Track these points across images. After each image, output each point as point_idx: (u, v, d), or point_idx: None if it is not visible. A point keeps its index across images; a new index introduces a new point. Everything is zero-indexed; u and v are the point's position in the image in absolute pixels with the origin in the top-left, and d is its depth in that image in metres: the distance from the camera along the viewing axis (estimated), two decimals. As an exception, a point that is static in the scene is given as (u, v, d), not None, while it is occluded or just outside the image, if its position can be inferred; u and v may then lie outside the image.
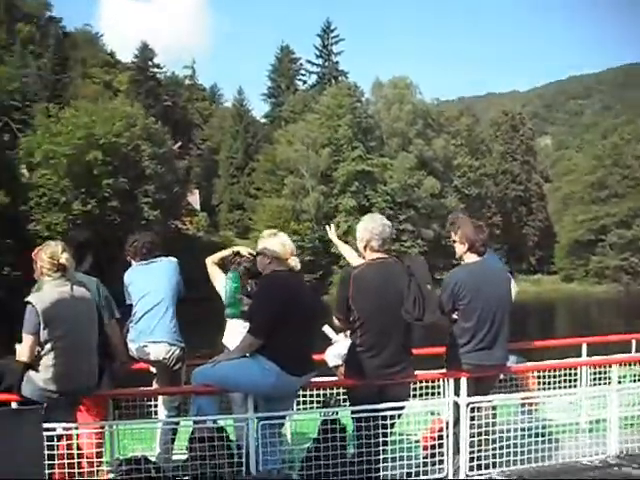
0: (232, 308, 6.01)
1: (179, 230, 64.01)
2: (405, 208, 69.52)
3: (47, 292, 5.04)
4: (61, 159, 53.55)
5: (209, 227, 72.35)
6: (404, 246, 67.75)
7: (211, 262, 6.31)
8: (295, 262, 5.52)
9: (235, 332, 5.86)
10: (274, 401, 5.43)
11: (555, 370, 7.20)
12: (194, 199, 72.37)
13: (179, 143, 69.94)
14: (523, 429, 5.92)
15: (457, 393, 5.81)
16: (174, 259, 6.36)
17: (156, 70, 78.58)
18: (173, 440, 5.95)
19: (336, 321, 5.58)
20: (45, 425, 4.61)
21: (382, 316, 5.32)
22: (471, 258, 6.04)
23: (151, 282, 6.11)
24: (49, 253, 5.11)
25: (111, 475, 5.35)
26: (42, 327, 4.90)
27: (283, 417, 5.64)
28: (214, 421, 5.44)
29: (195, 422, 5.49)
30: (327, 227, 7.23)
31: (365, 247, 5.52)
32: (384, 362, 5.35)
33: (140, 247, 6.30)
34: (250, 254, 6.01)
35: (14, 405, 4.92)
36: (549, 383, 7.21)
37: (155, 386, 6.28)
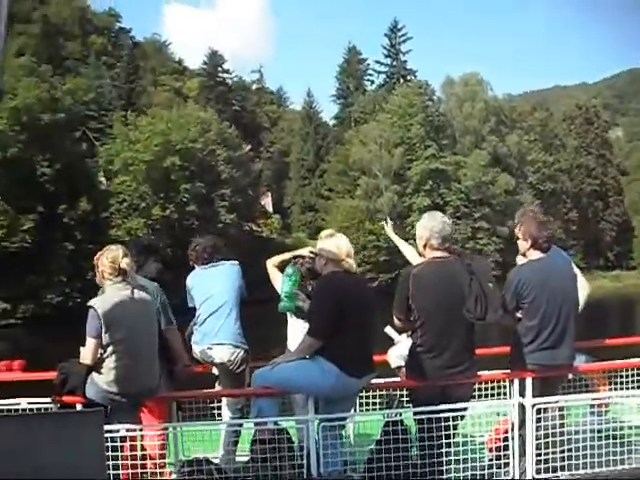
0: (287, 302, 5.96)
1: (254, 232, 64.47)
2: (480, 206, 68.59)
3: (108, 296, 5.12)
4: (140, 166, 54.56)
5: (282, 229, 72.66)
6: (479, 244, 66.88)
7: (271, 264, 6.29)
8: (350, 264, 5.38)
9: (297, 333, 5.83)
10: (334, 402, 5.38)
11: (628, 370, 6.84)
12: (267, 202, 72.85)
13: (249, 146, 70.43)
14: (593, 431, 5.65)
15: (522, 394, 5.63)
16: (236, 262, 6.39)
17: (226, 75, 79.36)
18: (236, 442, 5.96)
19: (396, 321, 5.50)
20: (109, 427, 4.74)
21: (443, 316, 5.24)
22: (534, 255, 5.85)
23: (214, 285, 6.14)
24: (110, 257, 5.16)
25: (174, 476, 5.47)
26: (104, 330, 4.98)
27: (344, 418, 5.58)
28: (275, 423, 5.42)
29: (256, 424, 5.46)
30: (384, 223, 7.08)
31: (425, 246, 5.41)
32: (446, 362, 5.26)
33: (202, 251, 6.32)
34: (311, 255, 5.92)
35: (78, 407, 5.02)
36: (621, 383, 6.87)
37: (218, 388, 6.30)
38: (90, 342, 5.04)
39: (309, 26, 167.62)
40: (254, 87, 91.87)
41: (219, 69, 79.04)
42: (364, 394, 6.14)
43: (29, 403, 5.49)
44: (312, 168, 77.05)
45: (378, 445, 5.48)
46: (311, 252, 5.93)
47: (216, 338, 6.03)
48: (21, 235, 49.83)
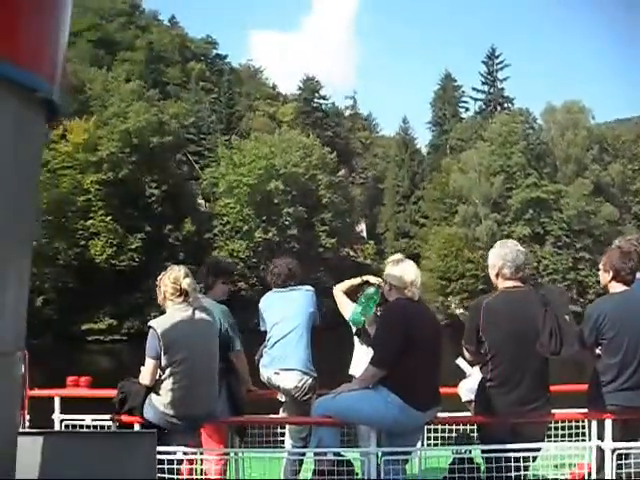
0: (358, 316, 5.77)
1: (350, 258, 64.38)
2: (581, 236, 66.69)
3: (168, 317, 5.03)
4: (244, 189, 55.27)
5: (375, 255, 72.27)
6: (580, 275, 64.91)
7: (339, 290, 6.15)
8: (414, 292, 5.13)
9: (361, 359, 5.71)
10: (398, 435, 5.16)
11: None
12: (361, 227, 72.73)
13: (342, 171, 70.68)
14: None
15: (601, 437, 5.18)
16: (311, 288, 6.22)
17: (322, 101, 80.00)
18: (297, 472, 5.76)
19: (466, 353, 5.31)
20: (166, 449, 4.72)
21: (515, 349, 4.99)
22: (617, 288, 5.42)
23: (286, 309, 6.01)
24: (172, 278, 5.07)
25: None
26: (162, 351, 4.91)
27: (408, 452, 5.31)
28: (335, 453, 5.18)
29: (316, 454, 5.28)
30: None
31: (497, 275, 5.16)
32: (518, 398, 4.98)
33: (278, 274, 6.18)
34: (378, 282, 5.76)
35: (136, 427, 4.97)
36: None
37: (282, 414, 6.12)
38: (149, 363, 4.99)
39: (397, 52, 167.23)
40: (347, 113, 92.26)
41: (316, 95, 79.66)
42: (432, 427, 5.91)
43: (93, 420, 5.50)
44: (407, 195, 76.51)
45: (446, 482, 5.19)
46: (378, 278, 5.81)
47: (284, 363, 5.88)
48: (129, 254, 51.07)
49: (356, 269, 61.98)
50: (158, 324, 5.00)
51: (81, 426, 5.58)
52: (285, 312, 6.02)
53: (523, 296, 5.12)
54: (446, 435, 6.04)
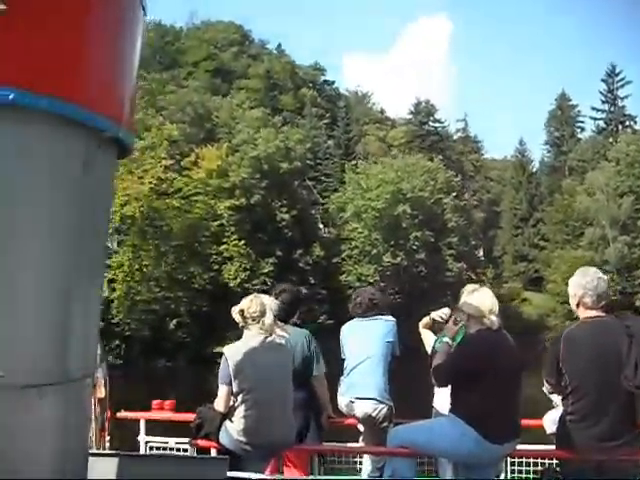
0: (440, 340, 5.51)
1: (472, 282, 63.32)
2: None
3: (242, 344, 5.03)
4: (372, 213, 55.23)
5: (493, 279, 71.02)
6: None
7: (422, 325, 5.96)
8: (492, 321, 4.94)
9: (443, 394, 5.50)
10: (474, 468, 4.99)
11: None
12: (479, 250, 71.67)
13: (466, 195, 69.89)
14: None
15: None
16: (392, 318, 6.20)
17: (437, 125, 79.63)
18: None
19: (546, 386, 5.12)
20: (241, 474, 4.77)
21: (597, 382, 4.75)
22: None
23: (364, 338, 6.01)
24: (250, 305, 5.08)
25: None
26: (233, 378, 4.89)
27: None
28: None
29: None
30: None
31: (578, 304, 4.96)
32: (601, 434, 4.69)
33: (360, 303, 6.19)
34: (442, 316, 5.71)
35: (213, 452, 5.06)
36: None
37: (361, 443, 6.10)
38: (222, 389, 5.00)
39: (496, 73, 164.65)
40: (456, 135, 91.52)
41: (431, 118, 79.39)
42: (517, 460, 5.70)
43: (177, 443, 5.61)
44: (525, 217, 75.11)
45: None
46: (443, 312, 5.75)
47: (360, 392, 5.87)
48: (261, 278, 51.60)
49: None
50: (230, 351, 5.01)
51: (164, 448, 5.71)
52: (363, 341, 6.02)
53: (605, 326, 4.90)
54: (531, 469, 5.77)
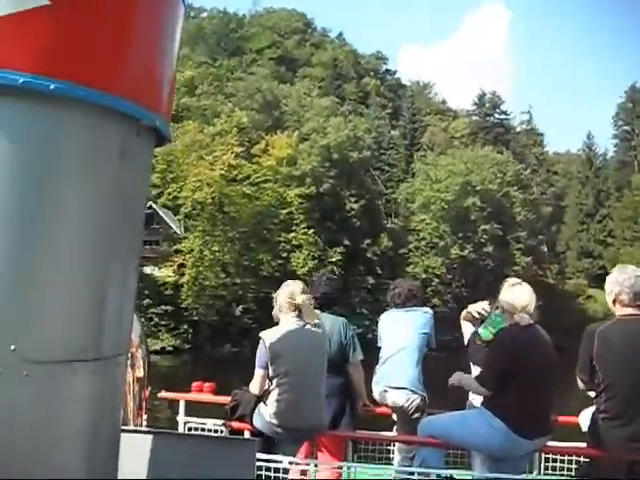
0: (486, 329, 5.53)
1: (538, 277, 62.52)
2: None
3: (278, 329, 5.09)
4: (440, 204, 54.83)
5: (556, 274, 70.06)
6: None
7: (462, 318, 6.00)
8: (523, 317, 4.86)
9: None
10: (501, 461, 4.92)
11: None
12: (543, 246, 70.68)
13: (535, 189, 68.91)
14: None
15: None
16: (429, 310, 6.21)
17: (503, 117, 78.57)
18: None
19: (579, 383, 4.97)
20: (273, 457, 4.79)
21: (631, 380, 4.64)
22: None
23: (400, 329, 5.99)
24: (288, 293, 5.08)
25: None
26: (270, 362, 4.97)
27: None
28: (439, 475, 5.07)
29: (419, 474, 5.09)
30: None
31: (614, 301, 4.82)
32: (633, 434, 4.55)
33: (398, 294, 6.14)
34: (479, 311, 5.75)
35: (246, 434, 5.13)
36: None
37: (394, 432, 6.09)
38: (257, 373, 5.09)
39: (557, 65, 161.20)
40: (519, 128, 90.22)
41: (497, 110, 78.36)
42: (551, 457, 5.56)
43: (214, 425, 5.68)
44: (591, 213, 73.84)
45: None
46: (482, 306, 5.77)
47: (393, 381, 5.85)
48: (329, 267, 51.63)
49: (544, 289, 60.29)
50: (268, 336, 5.05)
51: (202, 429, 5.82)
52: (399, 331, 6.02)
53: None
54: (565, 466, 5.63)
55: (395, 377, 5.88)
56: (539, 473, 5.52)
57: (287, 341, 5.04)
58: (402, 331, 5.99)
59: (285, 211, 52.89)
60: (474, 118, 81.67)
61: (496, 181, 57.06)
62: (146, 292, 51.89)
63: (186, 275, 51.05)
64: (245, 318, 50.38)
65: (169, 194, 54.05)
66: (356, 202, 54.41)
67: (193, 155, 53.09)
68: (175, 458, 3.19)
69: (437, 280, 54.61)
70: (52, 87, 2.17)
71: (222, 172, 51.23)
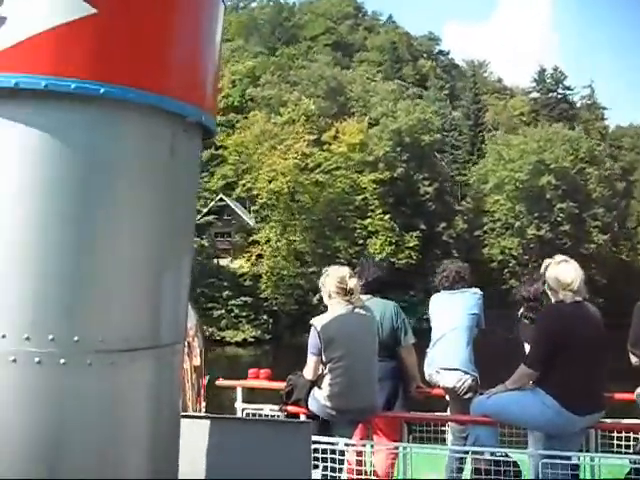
0: None
1: (615, 254, 61.50)
2: None
3: (329, 315, 5.12)
4: (515, 184, 54.20)
5: (629, 250, 68.84)
6: None
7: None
8: (566, 294, 4.85)
9: None
10: (554, 438, 4.89)
11: None
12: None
13: (609, 164, 67.60)
14: None
15: None
16: (479, 291, 6.17)
17: (567, 92, 77.21)
18: (461, 469, 5.74)
19: (632, 358, 5.06)
20: (329, 439, 4.91)
21: None
22: None
23: (450, 310, 6.02)
24: (337, 278, 5.12)
25: None
26: (323, 348, 5.03)
27: (569, 458, 4.93)
28: (492, 453, 5.04)
29: (473, 452, 5.26)
30: None
31: None
32: None
33: (446, 276, 6.13)
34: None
35: (302, 418, 5.19)
36: None
37: (447, 413, 6.14)
38: (311, 358, 5.14)
39: (600, 36, 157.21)
40: (579, 104, 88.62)
41: (560, 85, 76.98)
42: (607, 434, 5.46)
43: (271, 410, 5.78)
44: (661, 188, 72.31)
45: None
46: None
47: (445, 362, 5.87)
48: (407, 252, 51.46)
49: (619, 265, 59.36)
50: (319, 322, 5.09)
51: (260, 415, 5.90)
52: (449, 313, 6.04)
53: None
54: (623, 443, 5.53)
55: (447, 358, 5.92)
56: (595, 450, 5.43)
57: (338, 326, 5.11)
58: (452, 312, 6.06)
59: (360, 197, 52.74)
60: (533, 95, 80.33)
61: (568, 158, 56.10)
62: (225, 284, 52.60)
63: (264, 265, 51.33)
64: (322, 306, 50.32)
65: (243, 185, 54.33)
66: (429, 185, 54.05)
67: (265, 145, 53.22)
68: (233, 442, 3.27)
69: (514, 261, 54.04)
70: (102, 91, 2.33)
71: (296, 161, 51.26)
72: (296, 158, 51.33)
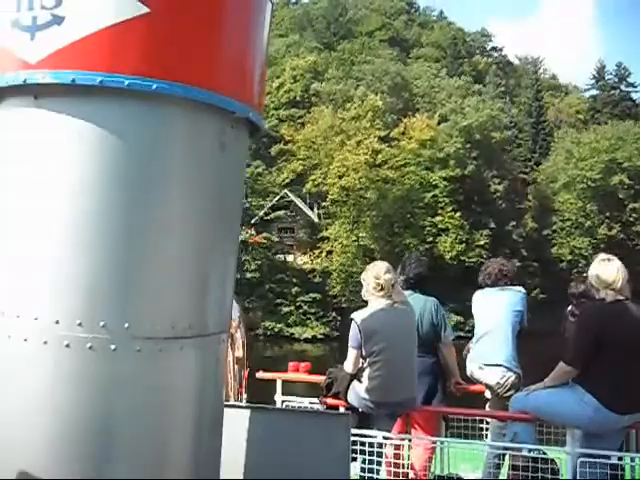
0: None
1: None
2: None
3: (369, 310, 5.20)
4: (586, 183, 53.47)
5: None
6: None
7: None
8: (606, 293, 4.80)
9: None
10: (593, 437, 4.85)
11: None
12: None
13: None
14: None
15: None
16: (522, 289, 6.17)
17: (630, 90, 75.99)
18: (499, 465, 5.62)
19: None
20: (367, 432, 5.02)
21: None
22: None
23: (493, 307, 6.00)
24: (374, 273, 5.20)
25: None
26: (363, 342, 5.08)
27: (608, 457, 4.84)
28: (530, 450, 5.11)
29: (512, 449, 5.22)
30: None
31: None
32: None
33: (489, 274, 6.16)
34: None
35: (341, 410, 5.19)
36: None
37: (487, 409, 6.11)
38: (351, 352, 5.19)
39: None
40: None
41: (624, 82, 75.81)
42: None
43: (310, 402, 5.84)
44: None
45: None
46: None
47: (488, 359, 5.89)
48: (477, 250, 50.98)
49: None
50: (359, 316, 5.17)
51: (299, 407, 5.94)
52: (492, 310, 6.02)
53: None
54: None
55: (491, 355, 5.94)
56: (636, 450, 5.34)
57: (378, 321, 5.18)
58: (496, 309, 6.05)
59: (429, 194, 52.33)
60: (591, 92, 79.26)
61: (641, 157, 55.25)
62: (294, 280, 52.45)
63: (334, 262, 51.07)
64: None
65: (313, 181, 54.12)
66: (499, 183, 53.50)
67: (335, 141, 52.96)
68: (274, 431, 3.38)
69: (584, 261, 53.32)
70: (154, 87, 2.44)
71: (367, 157, 50.96)
72: (366, 154, 51.02)
